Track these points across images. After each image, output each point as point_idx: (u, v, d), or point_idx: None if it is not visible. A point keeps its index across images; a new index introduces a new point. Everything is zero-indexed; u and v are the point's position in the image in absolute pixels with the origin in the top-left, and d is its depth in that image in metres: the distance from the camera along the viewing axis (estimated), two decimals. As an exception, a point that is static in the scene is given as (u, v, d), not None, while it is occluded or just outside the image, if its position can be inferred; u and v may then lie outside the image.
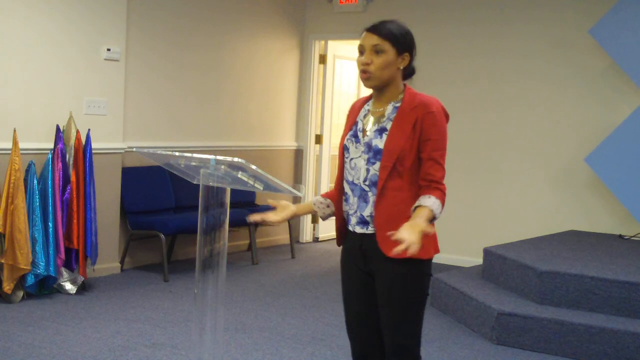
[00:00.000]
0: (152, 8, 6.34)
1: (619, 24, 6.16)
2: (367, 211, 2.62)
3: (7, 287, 4.98)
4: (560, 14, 6.67)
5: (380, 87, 2.62)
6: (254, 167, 2.41)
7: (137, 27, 6.18)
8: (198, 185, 2.60)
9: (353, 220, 2.67)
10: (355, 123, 2.70)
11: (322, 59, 8.05)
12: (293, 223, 7.41)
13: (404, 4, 7.33)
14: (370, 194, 2.61)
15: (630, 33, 6.12)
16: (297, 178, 8.05)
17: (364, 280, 2.69)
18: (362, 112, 2.71)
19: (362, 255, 2.67)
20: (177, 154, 2.61)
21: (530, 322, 4.62)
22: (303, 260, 7.08)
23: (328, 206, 2.80)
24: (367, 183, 2.62)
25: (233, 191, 2.65)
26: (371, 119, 2.66)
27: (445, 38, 7.11)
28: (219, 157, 2.48)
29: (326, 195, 2.84)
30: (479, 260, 5.90)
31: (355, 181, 2.64)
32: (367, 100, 2.75)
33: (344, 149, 2.70)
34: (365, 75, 2.60)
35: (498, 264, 5.36)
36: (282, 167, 7.89)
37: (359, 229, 2.65)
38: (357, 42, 2.70)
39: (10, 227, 4.96)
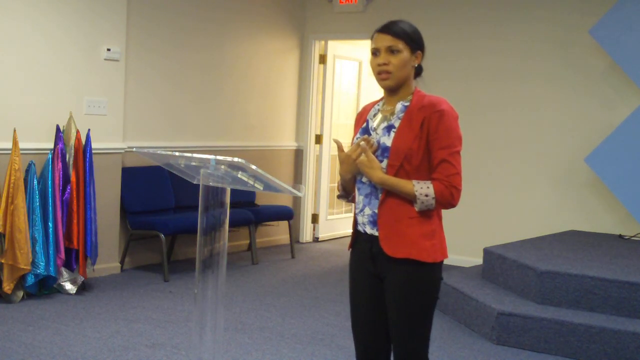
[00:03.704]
0: (152, 8, 6.34)
1: (619, 24, 6.16)
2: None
3: (7, 287, 4.98)
4: (560, 14, 6.66)
5: (396, 87, 2.63)
6: (254, 167, 2.40)
7: (137, 27, 6.18)
8: (198, 185, 2.60)
9: (360, 219, 2.66)
10: (366, 121, 2.71)
11: (322, 59, 8.05)
12: (293, 223, 7.42)
13: (403, 4, 7.32)
14: (379, 192, 2.60)
15: (630, 33, 6.12)
16: (297, 178, 8.04)
17: (373, 284, 2.66)
18: (372, 112, 2.73)
19: (371, 258, 2.64)
20: (177, 154, 2.61)
21: (530, 322, 4.62)
22: (303, 260, 7.08)
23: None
24: None
25: (233, 191, 2.64)
26: (380, 116, 2.67)
27: (444, 38, 7.10)
28: (219, 157, 2.48)
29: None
30: (479, 260, 5.90)
31: (364, 179, 2.64)
32: (377, 102, 2.76)
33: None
34: (384, 76, 2.60)
35: (498, 264, 5.35)
36: (282, 167, 7.89)
37: (369, 229, 2.63)
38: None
39: (10, 227, 4.96)
